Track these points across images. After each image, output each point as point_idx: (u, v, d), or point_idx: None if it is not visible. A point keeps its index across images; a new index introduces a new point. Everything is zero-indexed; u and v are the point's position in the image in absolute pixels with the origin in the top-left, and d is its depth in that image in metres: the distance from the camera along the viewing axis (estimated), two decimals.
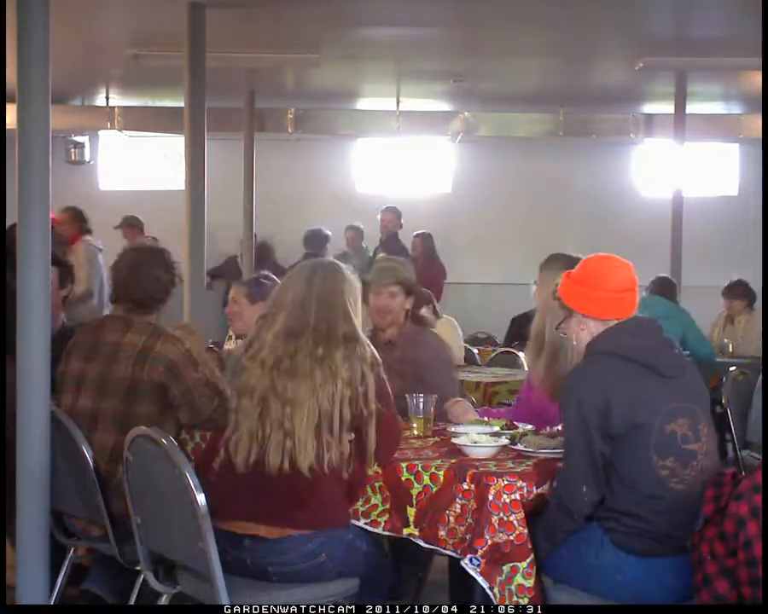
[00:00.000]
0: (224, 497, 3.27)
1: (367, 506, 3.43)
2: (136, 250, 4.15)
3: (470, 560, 3.12)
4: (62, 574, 3.92)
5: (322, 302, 3.36)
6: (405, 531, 3.33)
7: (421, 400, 3.88)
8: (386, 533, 3.40)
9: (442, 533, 3.23)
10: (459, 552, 3.17)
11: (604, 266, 3.32)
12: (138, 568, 3.52)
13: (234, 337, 6.45)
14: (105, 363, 3.83)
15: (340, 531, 3.32)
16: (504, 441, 3.53)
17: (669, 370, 3.17)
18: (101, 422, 3.78)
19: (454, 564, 3.34)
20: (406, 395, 3.95)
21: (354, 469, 3.33)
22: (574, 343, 3.35)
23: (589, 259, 3.37)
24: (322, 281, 3.39)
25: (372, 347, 3.41)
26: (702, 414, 3.20)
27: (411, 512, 3.32)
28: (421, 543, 3.31)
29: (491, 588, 3.10)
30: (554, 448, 3.42)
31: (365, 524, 3.42)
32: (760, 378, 5.55)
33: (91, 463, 3.65)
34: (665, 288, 7.76)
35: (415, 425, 3.87)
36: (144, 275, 3.95)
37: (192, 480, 3.06)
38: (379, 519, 3.40)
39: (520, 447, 3.48)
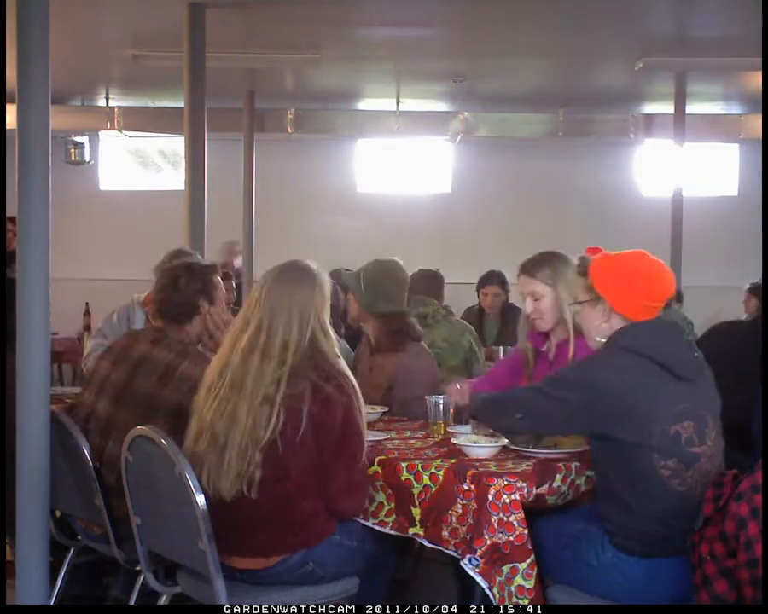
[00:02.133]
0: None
1: (374, 505, 3.43)
2: (169, 268, 4.16)
3: (469, 560, 3.12)
4: (62, 574, 3.92)
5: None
6: (411, 530, 3.34)
7: (441, 402, 3.88)
8: (393, 532, 3.40)
9: (445, 533, 3.23)
10: (459, 552, 3.17)
11: (658, 273, 3.22)
12: (138, 568, 3.52)
13: None
14: (128, 373, 3.81)
15: (325, 539, 3.29)
16: (504, 441, 3.53)
17: (685, 372, 3.12)
18: (116, 432, 3.73)
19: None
20: (425, 397, 3.96)
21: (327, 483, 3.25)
22: (587, 327, 3.32)
23: (642, 258, 3.24)
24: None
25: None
26: (711, 419, 3.17)
27: (416, 512, 3.32)
28: (426, 543, 3.31)
29: (491, 588, 3.10)
30: (554, 449, 3.42)
31: (374, 524, 3.42)
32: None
33: (90, 463, 3.64)
34: None
35: (434, 428, 3.87)
36: (172, 292, 3.96)
37: (192, 481, 3.06)
38: (387, 520, 3.40)
39: (520, 447, 3.48)
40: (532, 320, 3.91)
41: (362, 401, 3.31)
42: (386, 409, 4.29)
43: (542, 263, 3.91)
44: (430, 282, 6.10)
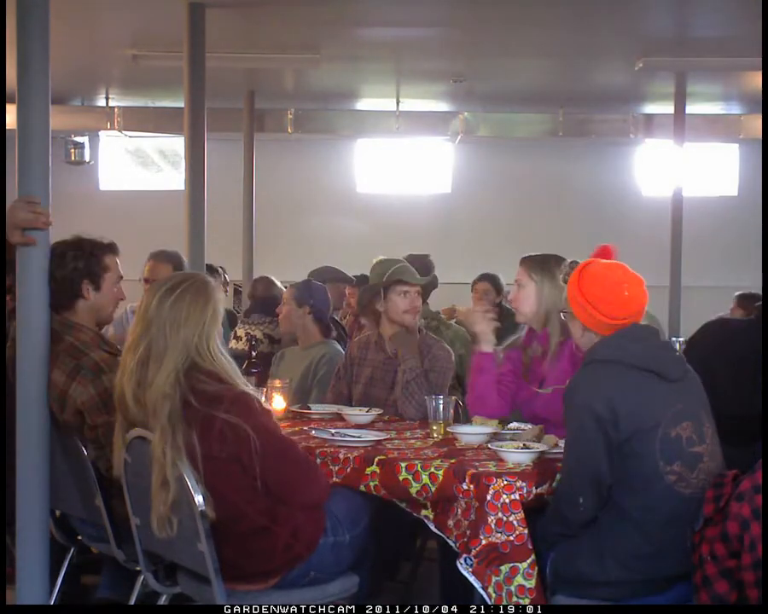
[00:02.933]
0: None
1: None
2: (60, 242, 3.77)
3: (464, 560, 3.13)
4: (62, 574, 3.92)
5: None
6: (423, 512, 3.35)
7: (441, 402, 3.88)
8: (408, 509, 3.40)
9: (450, 522, 3.25)
10: (458, 545, 3.18)
11: (617, 293, 3.20)
12: (138, 568, 3.52)
13: (241, 335, 6.50)
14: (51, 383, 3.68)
15: (320, 544, 3.24)
16: (543, 446, 3.44)
17: (673, 374, 3.14)
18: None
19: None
20: (426, 397, 3.98)
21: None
22: (573, 337, 3.40)
23: (604, 275, 3.24)
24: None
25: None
26: (705, 415, 3.18)
27: (425, 503, 3.34)
28: (432, 527, 3.33)
29: (485, 588, 3.10)
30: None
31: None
32: None
33: (90, 463, 3.63)
34: None
35: (434, 428, 3.88)
36: (54, 271, 3.66)
37: (190, 481, 3.04)
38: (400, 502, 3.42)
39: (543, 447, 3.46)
40: (513, 308, 4.14)
41: (258, 398, 3.17)
42: (381, 411, 4.29)
43: (537, 259, 4.03)
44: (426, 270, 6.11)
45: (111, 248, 3.88)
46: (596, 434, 3.03)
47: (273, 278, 7.10)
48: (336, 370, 4.76)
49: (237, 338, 6.55)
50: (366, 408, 4.32)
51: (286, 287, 5.78)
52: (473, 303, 7.48)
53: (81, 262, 3.75)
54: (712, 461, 3.13)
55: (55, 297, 3.63)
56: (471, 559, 3.12)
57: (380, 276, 4.56)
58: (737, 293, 8.88)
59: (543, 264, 3.97)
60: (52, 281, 3.60)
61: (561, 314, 3.48)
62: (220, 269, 7.88)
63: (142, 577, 3.53)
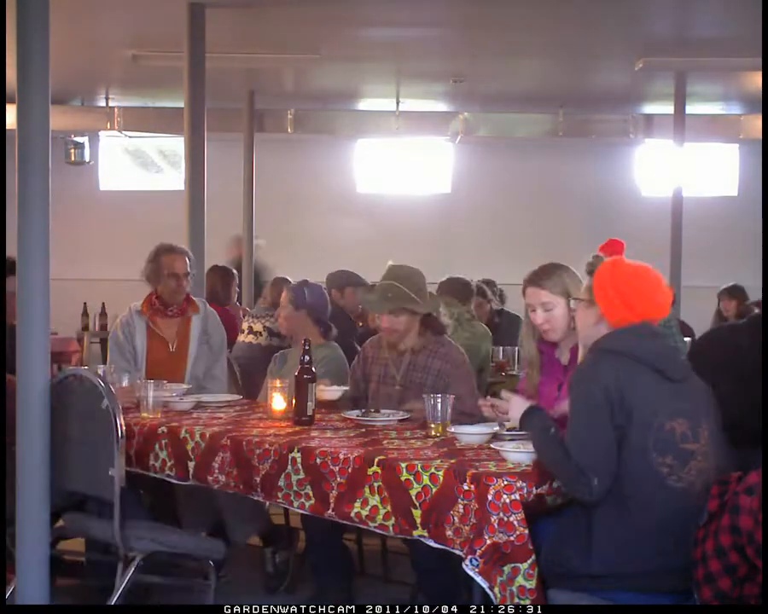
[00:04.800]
0: None
1: (367, 508, 3.43)
2: None
3: (470, 561, 3.12)
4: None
5: None
6: (415, 533, 3.32)
7: (439, 402, 3.88)
8: (399, 536, 3.40)
9: (449, 532, 3.23)
10: (464, 552, 3.16)
11: (652, 292, 3.26)
12: (131, 554, 3.70)
13: (259, 330, 6.50)
14: None
15: None
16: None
17: (677, 374, 3.18)
18: None
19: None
20: (423, 396, 3.98)
21: None
22: (579, 325, 3.41)
23: (643, 273, 3.29)
24: None
25: None
26: (705, 418, 3.19)
27: (417, 514, 3.31)
28: (432, 543, 3.30)
29: (492, 588, 3.09)
30: None
31: (374, 527, 3.42)
32: None
33: (120, 424, 3.69)
34: None
35: (432, 426, 3.88)
36: None
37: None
38: (386, 523, 3.39)
39: None
40: (543, 330, 3.93)
41: None
42: (347, 388, 4.37)
43: (550, 274, 3.93)
44: (463, 290, 6.45)
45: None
46: (605, 403, 3.05)
47: (288, 278, 7.09)
48: (352, 371, 4.78)
49: (255, 334, 6.51)
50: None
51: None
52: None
53: None
54: (706, 462, 3.14)
55: None
56: (477, 560, 3.11)
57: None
58: (721, 290, 8.89)
59: (559, 276, 3.92)
60: None
61: (572, 301, 3.48)
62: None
63: (133, 569, 3.71)
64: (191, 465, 3.93)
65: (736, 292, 8.75)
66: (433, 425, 3.87)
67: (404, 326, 4.51)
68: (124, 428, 3.70)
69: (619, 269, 3.28)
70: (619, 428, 3.06)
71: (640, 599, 3.06)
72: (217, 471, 3.87)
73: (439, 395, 3.94)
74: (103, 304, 9.23)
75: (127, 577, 3.71)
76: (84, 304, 9.22)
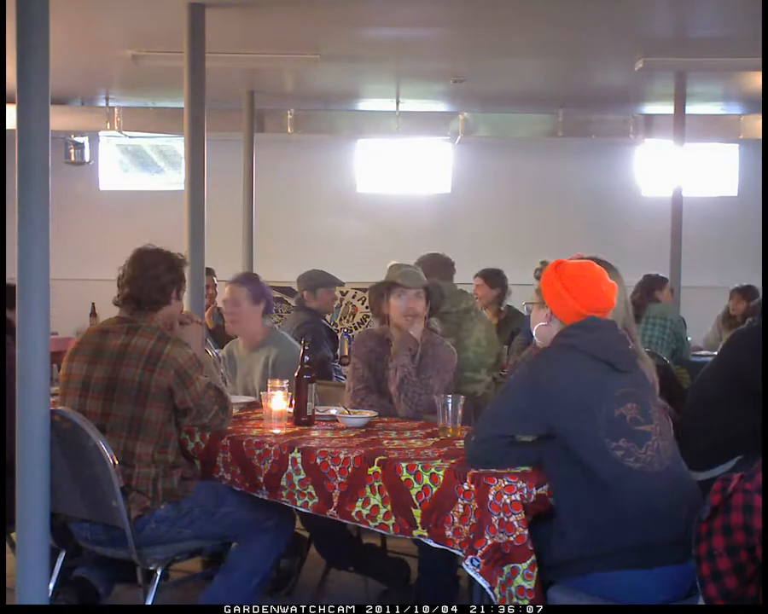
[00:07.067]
0: None
1: (368, 507, 3.43)
2: (139, 251, 4.10)
3: (471, 561, 3.12)
4: (55, 576, 3.94)
5: None
6: (415, 533, 3.33)
7: (449, 402, 3.89)
8: (399, 536, 3.40)
9: (449, 532, 3.23)
10: (464, 551, 3.17)
11: (595, 286, 3.42)
12: (152, 568, 3.75)
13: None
14: (112, 367, 3.83)
15: None
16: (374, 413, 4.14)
17: (623, 365, 3.32)
18: (111, 427, 3.78)
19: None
20: (434, 396, 3.98)
21: None
22: (533, 327, 3.54)
23: (585, 268, 3.46)
24: None
25: None
26: (651, 400, 3.36)
27: (417, 513, 3.32)
28: (432, 543, 3.31)
29: (492, 588, 3.10)
30: None
31: (375, 527, 3.42)
32: None
33: (112, 462, 3.65)
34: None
35: (449, 427, 3.88)
36: (145, 275, 3.95)
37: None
38: (387, 522, 3.39)
39: None
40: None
41: None
42: (375, 414, 4.28)
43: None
44: (446, 268, 6.05)
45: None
46: (528, 393, 3.23)
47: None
48: (353, 370, 4.70)
49: None
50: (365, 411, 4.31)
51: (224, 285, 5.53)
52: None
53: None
54: (663, 440, 3.28)
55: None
56: (478, 560, 3.11)
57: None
58: (733, 288, 8.91)
59: None
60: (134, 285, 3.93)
61: (526, 306, 3.62)
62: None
63: (159, 573, 3.76)
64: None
65: (748, 293, 8.72)
66: (449, 427, 3.87)
67: (423, 310, 4.60)
68: (116, 461, 3.67)
69: (563, 268, 3.46)
70: (559, 419, 3.18)
71: (629, 575, 3.12)
72: (222, 470, 3.89)
73: (449, 396, 3.94)
74: (93, 304, 9.20)
75: (153, 590, 3.75)
76: (93, 304, 9.20)
